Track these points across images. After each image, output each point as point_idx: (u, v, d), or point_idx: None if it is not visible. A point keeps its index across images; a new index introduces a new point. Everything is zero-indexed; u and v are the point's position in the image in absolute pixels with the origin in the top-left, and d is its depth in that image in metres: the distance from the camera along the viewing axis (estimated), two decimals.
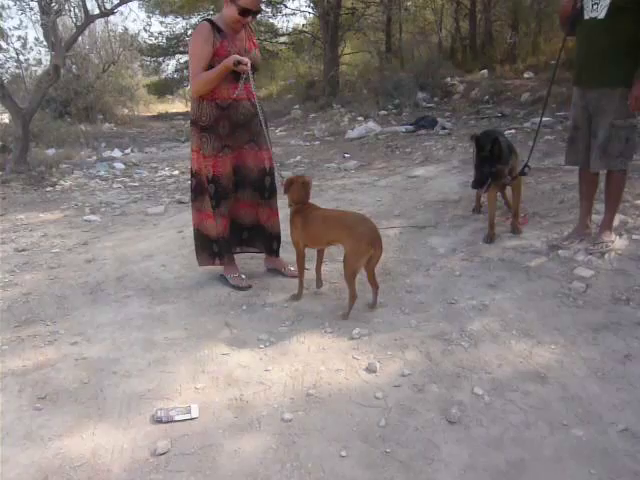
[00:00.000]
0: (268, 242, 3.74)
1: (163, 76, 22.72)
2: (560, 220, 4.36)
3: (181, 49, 20.89)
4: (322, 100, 13.66)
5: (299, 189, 3.32)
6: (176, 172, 7.51)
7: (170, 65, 22.29)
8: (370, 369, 2.64)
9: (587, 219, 3.97)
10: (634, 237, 3.87)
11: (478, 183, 3.98)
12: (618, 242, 3.80)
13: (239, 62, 3.21)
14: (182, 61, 21.55)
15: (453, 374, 2.60)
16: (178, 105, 26.77)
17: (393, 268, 3.81)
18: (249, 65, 3.26)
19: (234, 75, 3.33)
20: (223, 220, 3.55)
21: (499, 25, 17.22)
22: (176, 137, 12.54)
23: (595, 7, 3.42)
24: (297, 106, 14.14)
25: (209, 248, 3.65)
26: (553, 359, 2.69)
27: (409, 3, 18.28)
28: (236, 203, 3.59)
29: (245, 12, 3.26)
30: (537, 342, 2.84)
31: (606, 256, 3.67)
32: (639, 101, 3.39)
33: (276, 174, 3.60)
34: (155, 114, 21.09)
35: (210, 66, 3.27)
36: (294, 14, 23.56)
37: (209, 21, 3.30)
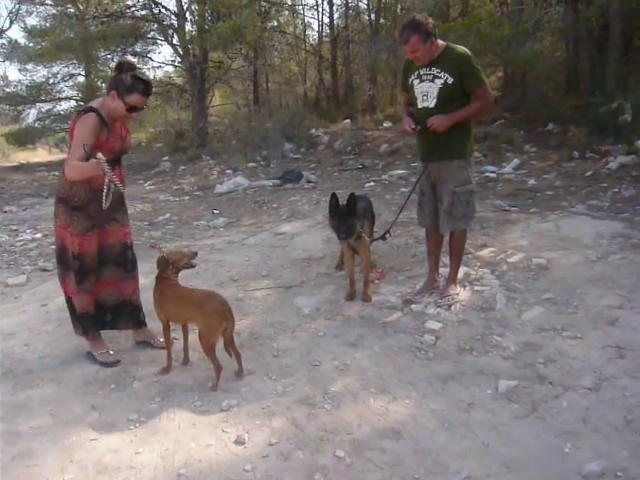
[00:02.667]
0: (135, 316, 3.76)
1: (23, 125, 21.63)
2: (413, 274, 4.76)
3: (42, 97, 20.14)
4: (191, 151, 13.73)
5: (161, 266, 3.44)
6: (39, 235, 7.19)
7: (31, 114, 21.31)
8: (239, 441, 2.75)
9: (435, 273, 4.39)
10: (476, 288, 4.32)
11: (347, 233, 4.15)
12: (462, 294, 4.23)
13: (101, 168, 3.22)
14: (44, 110, 20.74)
15: (317, 438, 2.77)
16: (41, 153, 25.48)
17: (260, 331, 3.96)
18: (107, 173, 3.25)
19: (111, 163, 3.38)
20: (87, 296, 3.56)
21: (359, 78, 18.35)
22: (38, 192, 12.01)
23: (425, 98, 3.90)
24: (166, 157, 14.09)
25: (76, 319, 3.65)
26: (407, 413, 2.95)
27: (275, 54, 19.01)
28: (98, 284, 3.60)
29: (132, 109, 3.37)
30: (393, 398, 3.09)
31: (452, 308, 4.07)
32: (434, 126, 3.81)
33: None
34: (15, 164, 19.98)
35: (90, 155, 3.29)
36: (160, 67, 23.59)
37: (97, 114, 3.30)
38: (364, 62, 17.66)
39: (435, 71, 3.81)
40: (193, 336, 3.58)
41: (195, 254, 3.58)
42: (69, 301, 3.66)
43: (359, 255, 4.44)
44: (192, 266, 3.56)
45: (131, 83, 3.30)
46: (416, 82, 3.93)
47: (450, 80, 3.77)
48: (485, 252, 4.99)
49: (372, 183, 8.51)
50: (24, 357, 3.77)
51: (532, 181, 7.89)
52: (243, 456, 2.65)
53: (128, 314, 3.75)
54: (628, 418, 2.77)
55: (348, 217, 4.16)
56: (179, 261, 3.45)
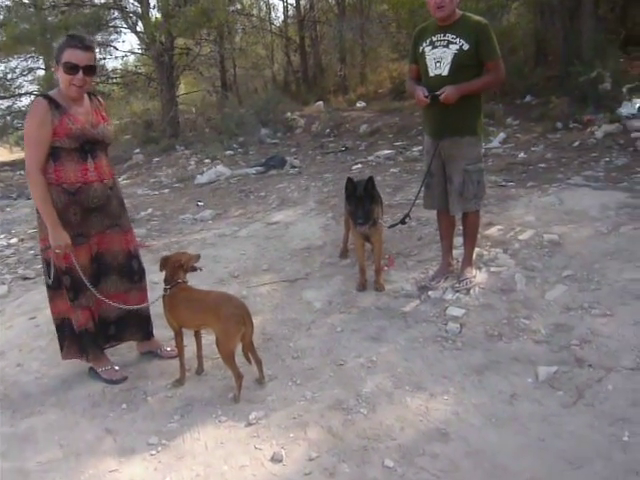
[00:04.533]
0: (143, 327, 3.46)
1: None
2: (422, 258, 4.55)
3: (1, 94, 19.36)
4: (164, 142, 13.28)
5: (171, 269, 3.15)
6: (14, 240, 6.76)
7: None
8: (276, 459, 2.51)
9: (449, 257, 4.19)
10: (492, 269, 4.13)
11: (365, 219, 3.92)
12: (479, 276, 4.04)
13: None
14: (4, 106, 19.94)
15: (360, 448, 2.55)
16: (1, 152, 24.58)
17: (274, 331, 3.71)
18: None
19: (81, 154, 3.08)
20: (84, 312, 3.20)
21: (328, 58, 18.03)
22: (6, 194, 11.49)
23: (438, 65, 3.65)
24: (138, 150, 13.61)
25: (73, 341, 3.29)
26: (449, 411, 2.75)
27: (238, 39, 18.56)
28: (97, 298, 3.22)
29: (72, 69, 3.00)
30: (430, 395, 2.89)
31: (471, 292, 3.87)
32: (447, 96, 3.54)
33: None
34: None
35: (51, 147, 3.01)
36: (126, 56, 22.90)
37: (46, 97, 3.02)
38: (332, 42, 17.32)
39: (450, 37, 3.60)
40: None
41: (198, 257, 3.33)
42: (58, 323, 3.31)
43: (370, 242, 4.19)
44: (198, 269, 3.31)
45: (61, 44, 3.04)
46: (428, 49, 3.70)
47: (466, 47, 3.56)
48: (493, 230, 4.80)
49: (359, 165, 8.26)
50: (19, 379, 3.43)
51: (522, 154, 7.71)
52: (283, 475, 2.41)
53: (135, 325, 3.43)
54: None
55: (366, 202, 3.93)
56: (189, 262, 3.20)
